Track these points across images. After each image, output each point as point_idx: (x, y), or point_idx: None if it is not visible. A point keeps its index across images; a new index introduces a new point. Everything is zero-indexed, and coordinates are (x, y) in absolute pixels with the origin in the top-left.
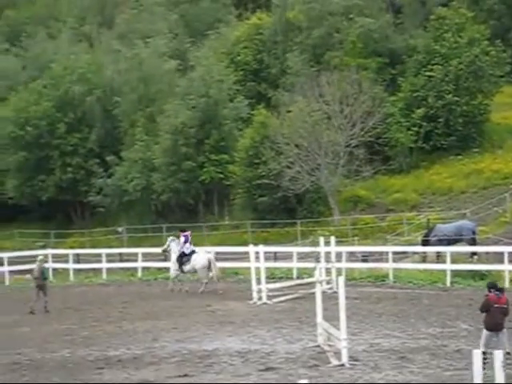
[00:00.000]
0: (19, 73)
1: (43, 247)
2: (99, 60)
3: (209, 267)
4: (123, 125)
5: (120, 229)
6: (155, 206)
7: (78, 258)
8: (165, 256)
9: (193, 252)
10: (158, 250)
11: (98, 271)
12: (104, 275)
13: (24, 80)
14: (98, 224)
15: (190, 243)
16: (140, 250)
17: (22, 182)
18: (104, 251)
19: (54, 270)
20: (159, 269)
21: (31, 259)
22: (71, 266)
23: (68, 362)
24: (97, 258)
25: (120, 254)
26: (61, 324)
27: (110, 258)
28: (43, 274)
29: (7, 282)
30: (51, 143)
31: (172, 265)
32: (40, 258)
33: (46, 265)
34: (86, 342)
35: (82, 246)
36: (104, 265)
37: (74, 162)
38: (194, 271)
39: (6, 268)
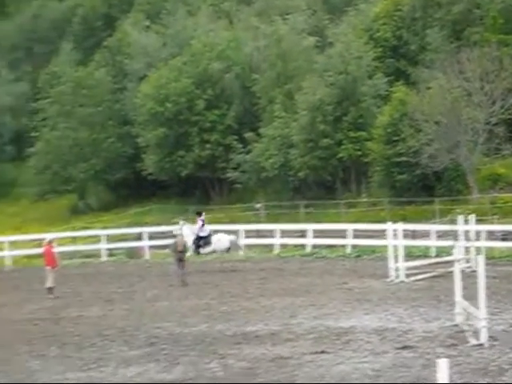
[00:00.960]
0: (159, 50)
1: (183, 223)
2: (238, 37)
3: (229, 249)
4: (261, 102)
5: (258, 205)
6: (292, 182)
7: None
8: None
9: (209, 234)
10: (295, 226)
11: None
12: (242, 251)
13: (164, 57)
14: (236, 200)
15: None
16: (277, 227)
17: (161, 158)
18: (242, 227)
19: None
20: (296, 245)
21: (170, 234)
22: None
23: (206, 336)
24: (234, 234)
25: (258, 230)
26: (200, 299)
27: (248, 234)
28: (176, 246)
29: (147, 257)
30: (190, 119)
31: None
32: (178, 232)
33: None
34: (224, 317)
35: (220, 222)
36: (242, 241)
37: (212, 138)
38: (213, 252)
39: (146, 243)
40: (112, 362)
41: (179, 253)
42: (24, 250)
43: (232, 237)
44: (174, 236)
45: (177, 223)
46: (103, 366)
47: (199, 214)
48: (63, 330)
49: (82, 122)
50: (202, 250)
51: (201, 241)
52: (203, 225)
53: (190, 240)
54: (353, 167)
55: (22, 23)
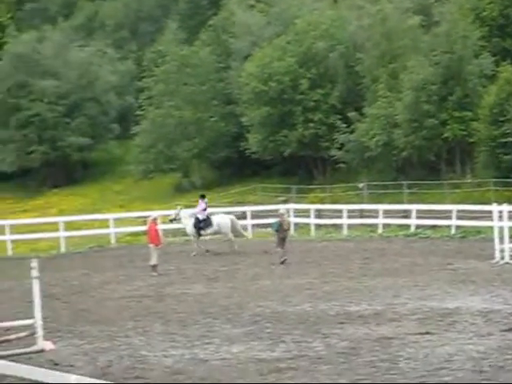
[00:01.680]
0: (263, 29)
1: (285, 202)
2: (342, 16)
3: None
4: (365, 81)
5: (361, 185)
6: (396, 162)
7: (319, 214)
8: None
9: (209, 217)
10: (398, 207)
11: (338, 227)
12: (345, 231)
13: (268, 36)
14: (339, 180)
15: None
16: (381, 207)
17: (265, 137)
18: (345, 207)
19: (296, 224)
20: (400, 225)
21: (272, 213)
22: (312, 221)
23: (309, 315)
24: (337, 213)
25: (361, 210)
26: (302, 278)
27: (351, 213)
28: (279, 226)
29: (250, 236)
30: (294, 99)
31: (189, 231)
32: (282, 211)
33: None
34: (326, 297)
35: (323, 202)
36: (345, 220)
37: (316, 117)
38: (215, 233)
39: (249, 221)
40: (216, 340)
41: (283, 231)
42: (128, 227)
43: (232, 216)
44: (279, 215)
45: (281, 202)
46: (207, 343)
47: (203, 196)
48: (167, 307)
49: (187, 100)
50: (203, 232)
51: (201, 223)
52: (205, 209)
53: (189, 224)
54: (457, 147)
55: (128, 2)
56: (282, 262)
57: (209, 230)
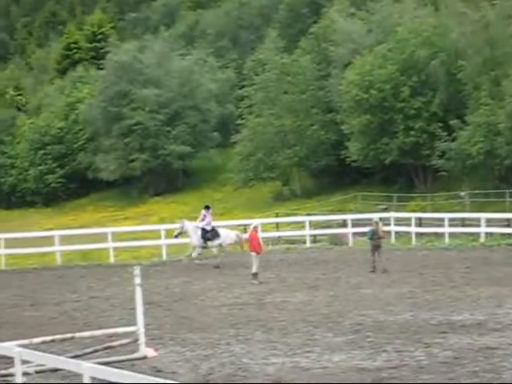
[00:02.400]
0: (364, 37)
1: (385, 210)
2: (444, 23)
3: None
4: (467, 88)
5: (462, 193)
6: (498, 170)
7: (420, 222)
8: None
9: (214, 228)
10: (501, 215)
11: (440, 235)
12: (446, 239)
13: (369, 44)
14: (440, 188)
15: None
16: (483, 215)
17: (365, 145)
18: (446, 215)
19: (397, 233)
20: (503, 234)
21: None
22: (413, 229)
23: (411, 324)
24: (439, 222)
25: (462, 219)
26: (403, 287)
27: (453, 222)
28: (373, 234)
29: (350, 244)
30: (395, 106)
31: (196, 242)
32: (376, 219)
33: (387, 228)
34: (428, 306)
35: (424, 210)
36: (446, 229)
37: (416, 125)
38: (220, 245)
39: (349, 229)
40: (317, 348)
41: (377, 239)
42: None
43: (238, 232)
44: (373, 223)
45: (382, 210)
46: (308, 351)
47: (207, 207)
48: (268, 315)
49: (287, 109)
50: (210, 243)
51: (208, 233)
52: (209, 220)
53: (196, 234)
54: None
55: (229, 11)
56: (382, 270)
57: (216, 242)
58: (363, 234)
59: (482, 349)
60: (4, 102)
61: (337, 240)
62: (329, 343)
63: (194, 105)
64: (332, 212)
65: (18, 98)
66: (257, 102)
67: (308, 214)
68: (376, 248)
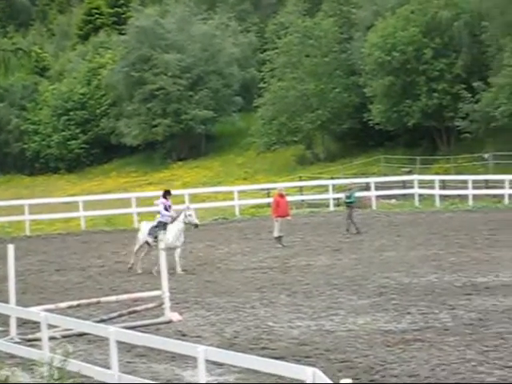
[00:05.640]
0: None
1: (409, 173)
2: None
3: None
4: (491, 50)
5: (486, 155)
6: None
7: (443, 184)
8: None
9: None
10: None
11: (463, 198)
12: (470, 202)
13: (391, 6)
14: (464, 150)
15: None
16: (507, 177)
17: (388, 108)
18: (470, 177)
19: (420, 195)
20: None
21: (397, 184)
22: (437, 192)
23: (435, 286)
24: (463, 184)
25: (486, 181)
26: (427, 249)
27: (476, 184)
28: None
29: (374, 207)
30: (417, 68)
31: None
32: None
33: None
34: (452, 268)
35: (447, 172)
36: (470, 191)
37: (439, 87)
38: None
39: (373, 192)
40: (341, 311)
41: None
42: (252, 199)
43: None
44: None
45: (405, 173)
46: (332, 314)
47: (168, 193)
48: (292, 279)
49: (309, 72)
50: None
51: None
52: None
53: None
54: None
55: None
56: (347, 229)
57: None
58: (387, 196)
59: (506, 310)
60: (26, 67)
61: (360, 203)
62: (353, 306)
63: (216, 69)
64: (355, 175)
65: (43, 56)
66: (279, 66)
67: (331, 178)
68: (348, 209)
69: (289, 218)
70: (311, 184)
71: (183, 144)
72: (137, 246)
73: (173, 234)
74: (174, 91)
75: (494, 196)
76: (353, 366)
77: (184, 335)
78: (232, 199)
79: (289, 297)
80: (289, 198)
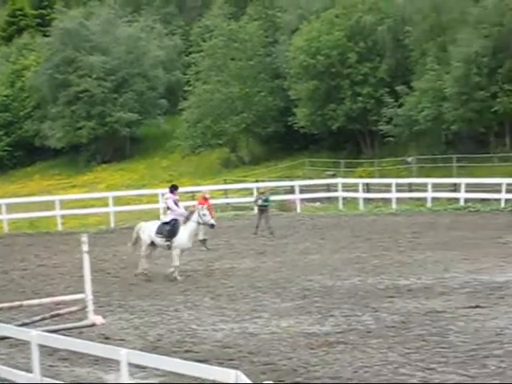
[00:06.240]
0: (311, 2)
1: (333, 176)
2: None
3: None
4: (414, 54)
5: (409, 159)
6: (445, 136)
7: (367, 188)
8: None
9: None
10: (447, 180)
11: (387, 201)
12: (393, 205)
13: (316, 10)
14: (387, 154)
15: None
16: (429, 180)
17: (312, 111)
18: (393, 181)
19: (344, 198)
20: (449, 199)
21: (322, 188)
22: (361, 195)
23: (358, 289)
24: (386, 187)
25: (409, 184)
26: (351, 252)
27: (400, 187)
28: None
29: (298, 210)
30: (342, 72)
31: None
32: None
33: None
34: (376, 271)
35: (371, 176)
36: (393, 194)
37: (364, 91)
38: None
39: (297, 196)
40: (265, 314)
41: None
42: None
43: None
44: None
45: (329, 176)
46: (256, 317)
47: (175, 187)
48: (216, 282)
49: (234, 75)
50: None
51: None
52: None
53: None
54: (507, 120)
55: None
56: (255, 233)
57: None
58: (311, 199)
59: (428, 312)
60: None
61: (285, 206)
62: (277, 309)
63: (141, 72)
64: (280, 178)
65: None
66: (204, 69)
67: (256, 181)
68: (262, 212)
69: None
70: (236, 187)
71: (108, 146)
72: (143, 248)
73: (187, 235)
74: (98, 93)
75: (418, 199)
76: (276, 369)
77: (107, 338)
78: (156, 202)
79: (213, 300)
80: (214, 201)
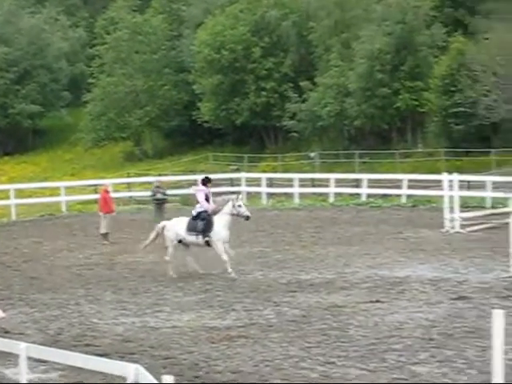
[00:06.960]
0: None
1: (236, 170)
2: None
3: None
4: (318, 50)
5: (312, 154)
6: (348, 131)
7: (270, 182)
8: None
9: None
10: (350, 176)
11: (290, 196)
12: (296, 200)
13: (220, 4)
14: (291, 149)
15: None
16: (332, 176)
17: (216, 106)
18: (296, 176)
19: (248, 193)
20: (351, 194)
21: (225, 182)
22: (264, 189)
23: (260, 283)
24: (289, 182)
25: (312, 179)
26: (253, 247)
27: (302, 182)
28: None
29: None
30: (246, 67)
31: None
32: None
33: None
34: (278, 265)
35: (275, 171)
36: (296, 189)
37: (268, 86)
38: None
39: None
40: (166, 308)
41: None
42: (79, 195)
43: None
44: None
45: (233, 171)
46: (158, 311)
47: (207, 180)
48: (118, 275)
49: (138, 68)
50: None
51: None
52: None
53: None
54: (409, 117)
55: None
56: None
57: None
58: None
59: (329, 307)
60: None
61: (188, 201)
62: (179, 303)
63: (44, 63)
64: (183, 172)
65: None
66: (108, 62)
67: (159, 175)
68: (160, 206)
69: (113, 213)
70: (139, 181)
71: (10, 138)
72: (170, 250)
73: (222, 227)
74: (0, 85)
75: (320, 194)
76: (177, 363)
77: (7, 332)
78: (59, 195)
79: (114, 293)
80: (117, 195)
